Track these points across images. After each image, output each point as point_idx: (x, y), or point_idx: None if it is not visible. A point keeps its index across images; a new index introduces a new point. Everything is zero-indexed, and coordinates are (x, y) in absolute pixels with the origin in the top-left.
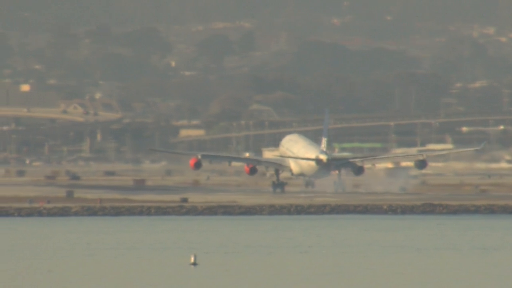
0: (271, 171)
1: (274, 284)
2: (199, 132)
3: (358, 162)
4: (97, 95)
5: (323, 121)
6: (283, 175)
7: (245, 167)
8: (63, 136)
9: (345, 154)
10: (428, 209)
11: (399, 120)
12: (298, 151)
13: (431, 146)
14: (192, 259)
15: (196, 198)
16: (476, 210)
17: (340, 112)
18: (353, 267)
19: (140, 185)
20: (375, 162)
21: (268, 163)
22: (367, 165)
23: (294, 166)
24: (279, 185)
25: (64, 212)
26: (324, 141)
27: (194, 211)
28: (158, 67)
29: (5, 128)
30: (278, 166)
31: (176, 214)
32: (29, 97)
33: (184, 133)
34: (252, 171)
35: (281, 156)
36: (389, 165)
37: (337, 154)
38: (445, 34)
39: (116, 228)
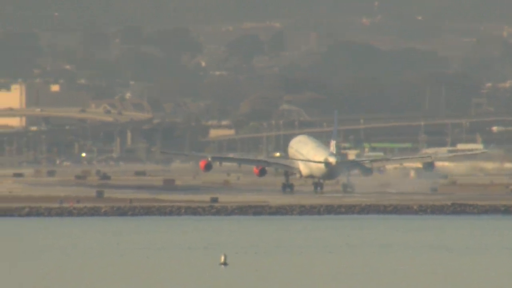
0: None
1: (305, 284)
2: (229, 132)
3: (366, 164)
4: (127, 95)
5: (333, 123)
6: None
7: (254, 169)
8: (93, 136)
9: (377, 154)
10: (458, 209)
11: (429, 120)
12: (308, 153)
13: (461, 146)
14: (222, 259)
15: (226, 198)
16: (506, 210)
17: (370, 112)
18: (383, 267)
19: (170, 185)
20: (384, 164)
21: (278, 164)
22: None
23: (303, 168)
24: (288, 186)
25: (94, 212)
26: (333, 143)
27: (224, 211)
28: (188, 67)
29: (34, 128)
30: (287, 167)
31: (206, 214)
32: (59, 97)
33: (214, 133)
34: (262, 172)
35: (291, 158)
36: (419, 165)
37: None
38: (476, 34)
39: (146, 228)
